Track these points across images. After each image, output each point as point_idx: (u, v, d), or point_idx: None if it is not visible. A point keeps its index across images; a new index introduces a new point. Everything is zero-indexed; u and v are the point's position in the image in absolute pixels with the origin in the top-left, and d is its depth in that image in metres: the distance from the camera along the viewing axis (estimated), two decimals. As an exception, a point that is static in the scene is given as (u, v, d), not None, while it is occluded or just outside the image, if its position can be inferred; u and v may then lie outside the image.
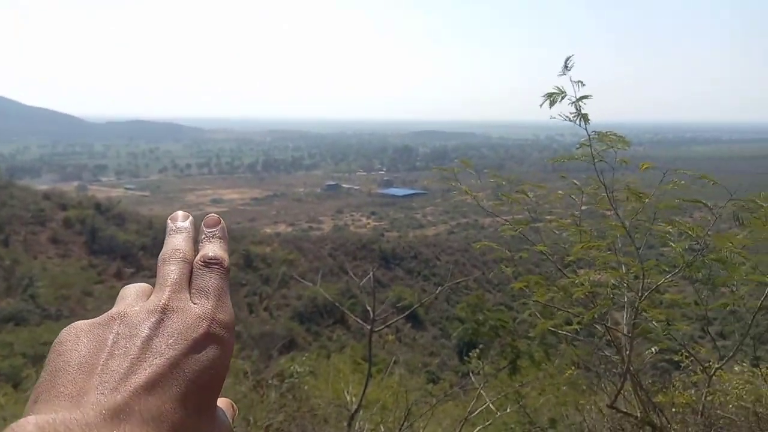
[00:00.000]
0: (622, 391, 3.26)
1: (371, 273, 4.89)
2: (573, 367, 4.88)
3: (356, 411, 4.66)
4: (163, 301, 0.47)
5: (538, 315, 3.85)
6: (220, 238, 0.53)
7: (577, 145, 3.36)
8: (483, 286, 33.53)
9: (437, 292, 8.08)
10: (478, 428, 4.87)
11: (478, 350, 5.76)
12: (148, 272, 38.26)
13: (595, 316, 3.19)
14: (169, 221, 0.55)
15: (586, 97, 2.87)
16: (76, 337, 0.44)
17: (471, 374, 5.63)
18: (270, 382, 6.04)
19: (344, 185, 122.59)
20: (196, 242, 0.53)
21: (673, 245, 2.87)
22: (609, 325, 3.61)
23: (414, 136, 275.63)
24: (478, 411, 4.85)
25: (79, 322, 0.47)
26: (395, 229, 71.82)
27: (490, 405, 4.82)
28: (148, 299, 0.48)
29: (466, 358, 6.35)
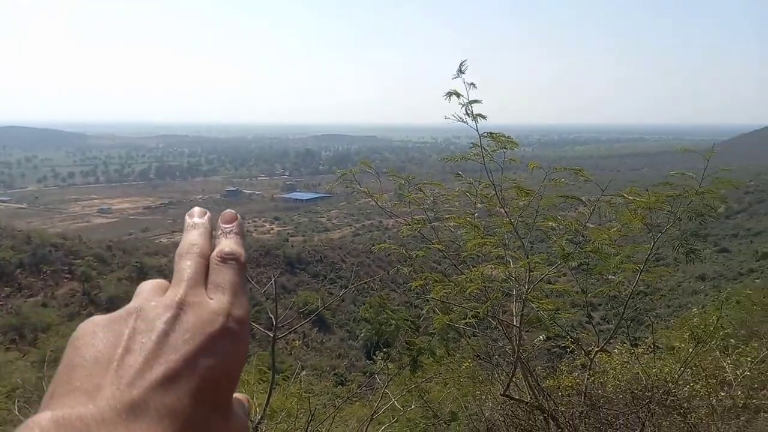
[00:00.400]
0: (514, 379, 3.44)
1: (273, 279, 4.80)
2: (471, 360, 5.08)
3: (260, 421, 4.54)
4: (179, 296, 0.47)
5: (437, 311, 3.98)
6: (236, 234, 0.54)
7: (471, 146, 3.52)
8: (388, 286, 34.05)
9: (341, 294, 8.10)
10: (384, 426, 4.93)
11: (383, 350, 5.83)
12: (27, 291, 35.01)
13: (488, 309, 3.35)
14: (186, 217, 0.55)
15: (476, 101, 3.01)
16: (93, 332, 0.44)
17: (376, 374, 5.70)
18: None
19: (245, 190, 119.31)
20: (213, 238, 0.53)
21: (555, 239, 3.09)
22: (503, 317, 3.81)
23: (316, 140, 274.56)
24: (383, 409, 4.91)
25: (96, 316, 0.47)
26: (300, 234, 71.08)
27: (395, 403, 4.90)
28: (164, 294, 0.48)
29: (372, 358, 6.40)
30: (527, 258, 3.28)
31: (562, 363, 4.63)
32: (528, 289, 3.22)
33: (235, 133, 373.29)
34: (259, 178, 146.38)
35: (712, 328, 4.00)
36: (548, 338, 4.52)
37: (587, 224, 3.33)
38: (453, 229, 4.10)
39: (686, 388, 3.88)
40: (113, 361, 0.41)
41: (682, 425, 3.47)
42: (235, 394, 0.48)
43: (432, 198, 3.91)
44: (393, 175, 4.28)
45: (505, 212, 3.35)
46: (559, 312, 3.60)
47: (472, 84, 2.90)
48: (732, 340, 4.78)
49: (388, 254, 4.05)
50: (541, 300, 3.40)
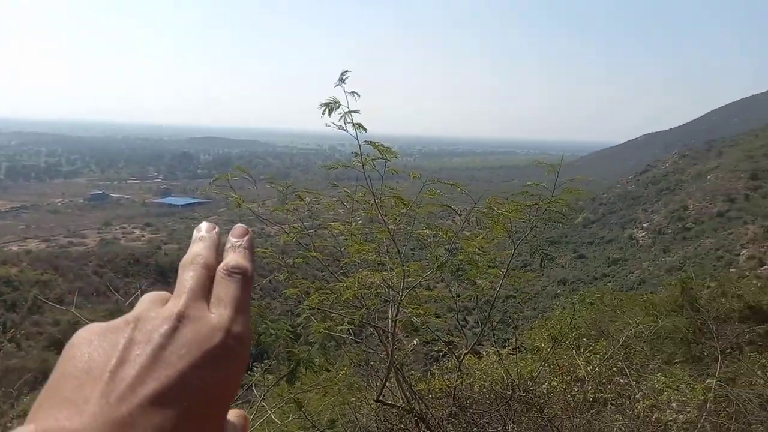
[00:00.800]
0: (389, 384, 3.50)
1: (140, 289, 4.49)
2: (349, 368, 5.10)
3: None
4: (179, 308, 0.45)
5: (314, 319, 3.94)
6: (245, 249, 0.52)
7: (352, 154, 3.53)
8: (270, 295, 33.30)
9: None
10: (259, 441, 4.78)
11: (263, 362, 5.66)
12: None
13: (363, 315, 3.38)
14: (194, 232, 0.54)
15: (355, 111, 3.03)
16: (89, 340, 0.43)
17: (253, 387, 5.51)
18: (10, 425, 5.11)
19: (113, 194, 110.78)
20: (221, 253, 0.52)
21: (430, 248, 3.21)
22: (383, 323, 3.87)
23: (194, 143, 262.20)
24: (258, 422, 4.76)
25: (94, 324, 0.45)
26: (175, 241, 67.17)
27: (272, 416, 4.77)
28: (164, 306, 0.46)
29: (250, 371, 6.19)
30: (403, 265, 3.36)
31: (434, 367, 4.80)
32: (402, 295, 3.29)
33: (102, 132, 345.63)
34: (129, 182, 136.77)
35: (566, 329, 4.36)
36: (426, 342, 4.67)
37: (462, 233, 3.50)
38: (333, 237, 4.10)
39: (544, 385, 4.20)
40: (105, 373, 0.40)
41: (540, 420, 3.73)
42: (230, 414, 0.48)
43: (311, 206, 3.88)
44: (271, 181, 4.20)
45: (384, 220, 3.41)
46: (430, 317, 3.73)
47: (353, 93, 2.91)
48: (585, 339, 5.26)
49: (269, 262, 3.95)
50: (414, 306, 3.50)
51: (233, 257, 0.51)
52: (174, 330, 0.43)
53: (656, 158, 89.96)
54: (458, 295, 3.70)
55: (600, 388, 4.63)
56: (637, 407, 4.14)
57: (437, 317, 4.04)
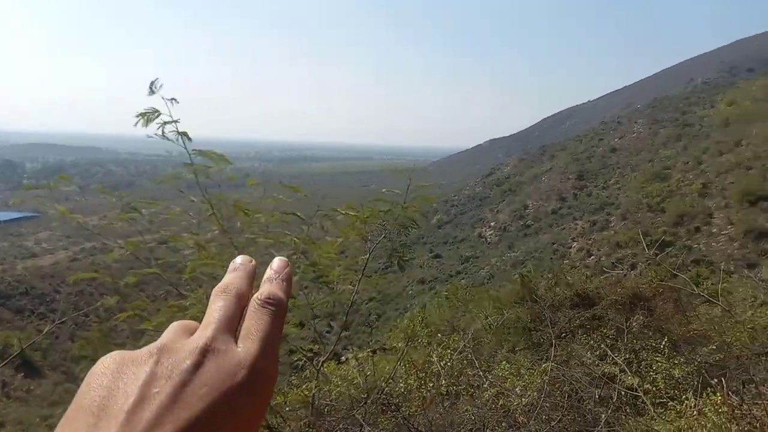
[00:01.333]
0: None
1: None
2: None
3: None
4: (204, 341, 0.44)
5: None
6: (283, 281, 0.51)
7: (185, 163, 3.31)
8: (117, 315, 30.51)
9: (48, 329, 6.92)
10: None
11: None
12: None
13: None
14: (230, 264, 0.53)
15: (175, 121, 2.81)
16: (110, 371, 0.42)
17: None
18: None
19: None
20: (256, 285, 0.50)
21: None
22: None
23: (20, 150, 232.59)
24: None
25: (117, 353, 0.44)
26: (-2, 262, 59.16)
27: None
28: (191, 336, 0.45)
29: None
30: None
31: (292, 377, 4.71)
32: (252, 307, 3.16)
33: None
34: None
35: (419, 328, 4.52)
36: (290, 352, 4.56)
37: (312, 239, 3.45)
38: (177, 250, 3.85)
39: (401, 384, 4.31)
40: (122, 413, 0.38)
41: (396, 419, 3.81)
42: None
43: (153, 217, 3.59)
44: (103, 191, 3.82)
45: (224, 230, 3.25)
46: (289, 326, 3.64)
47: (173, 100, 2.69)
48: (439, 335, 5.50)
49: (118, 280, 3.57)
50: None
51: (268, 288, 0.49)
52: (197, 365, 0.42)
53: (499, 162, 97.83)
54: (311, 303, 3.65)
55: (453, 381, 4.87)
56: (485, 396, 4.40)
57: (300, 326, 3.96)
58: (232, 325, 0.47)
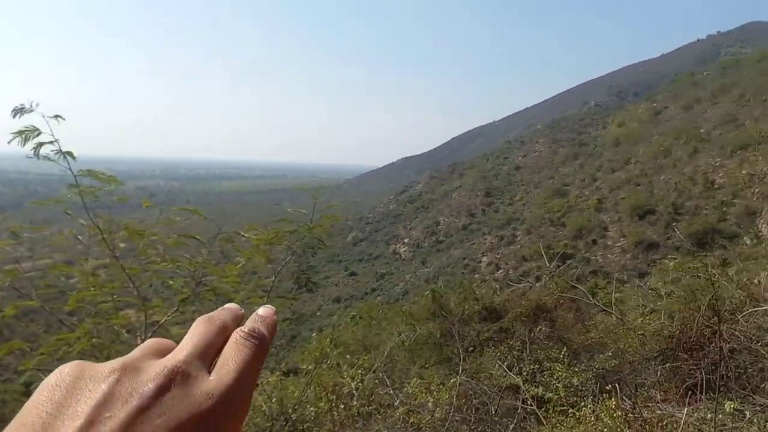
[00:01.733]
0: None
1: None
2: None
3: None
4: (174, 363, 0.40)
5: (42, 376, 3.33)
6: (268, 324, 0.48)
7: (71, 185, 3.07)
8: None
9: None
10: None
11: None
12: None
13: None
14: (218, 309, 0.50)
15: (53, 141, 2.60)
16: (64, 386, 0.38)
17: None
18: None
19: None
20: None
21: (171, 282, 2.94)
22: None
23: None
24: None
25: (77, 363, 0.40)
26: None
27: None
28: (162, 357, 0.41)
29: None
30: (143, 304, 3.04)
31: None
32: (145, 337, 2.97)
33: None
34: None
35: (328, 349, 4.46)
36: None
37: (212, 263, 3.30)
38: (65, 278, 3.54)
39: (311, 408, 4.20)
40: None
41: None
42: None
43: (28, 244, 3.29)
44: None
45: (115, 255, 3.04)
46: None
47: (57, 117, 2.49)
48: (349, 356, 5.45)
49: None
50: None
51: (253, 324, 0.47)
52: (161, 389, 0.38)
53: (411, 180, 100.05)
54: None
55: (364, 401, 4.83)
56: (396, 414, 4.40)
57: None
58: (209, 353, 0.43)
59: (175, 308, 3.02)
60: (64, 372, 0.40)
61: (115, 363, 0.40)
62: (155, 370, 0.40)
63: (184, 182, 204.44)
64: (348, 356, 5.34)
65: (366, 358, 5.45)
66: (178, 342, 0.45)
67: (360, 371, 4.94)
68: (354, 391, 4.88)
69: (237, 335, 0.45)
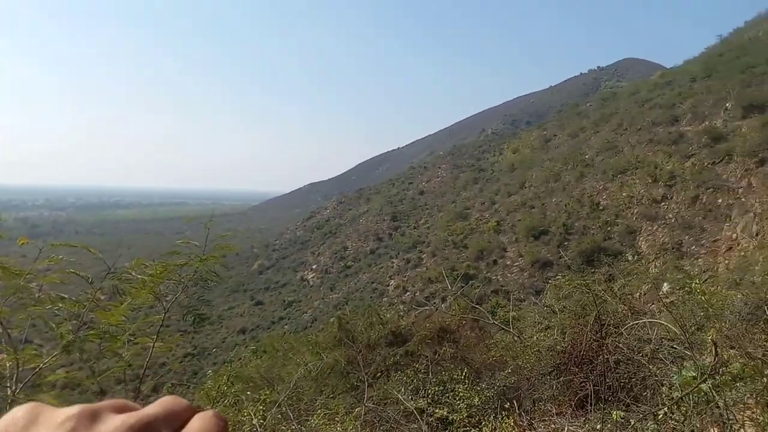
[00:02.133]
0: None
1: None
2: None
3: None
4: (135, 420, 0.39)
5: None
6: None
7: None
8: None
9: None
10: None
11: None
12: None
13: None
14: None
15: None
16: (16, 430, 0.36)
17: None
18: None
19: None
20: None
21: (54, 326, 2.70)
22: None
23: None
24: None
25: (35, 405, 0.39)
26: None
27: None
28: (110, 420, 0.39)
29: None
30: (16, 351, 2.75)
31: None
32: (16, 389, 2.67)
33: None
34: None
35: (224, 387, 4.26)
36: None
37: (98, 304, 3.06)
38: None
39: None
40: None
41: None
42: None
43: None
44: None
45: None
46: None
47: None
48: (249, 392, 5.24)
49: None
50: (37, 394, 2.89)
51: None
52: None
53: (319, 205, 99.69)
54: (94, 374, 3.22)
55: (265, 438, 4.65)
56: (300, 450, 4.27)
57: (102, 394, 3.46)
58: (172, 427, 0.42)
59: (56, 353, 2.76)
60: (17, 415, 0.38)
61: (73, 410, 0.39)
62: (114, 423, 0.39)
63: (72, 212, 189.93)
64: (249, 392, 5.13)
65: (269, 393, 5.26)
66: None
67: (262, 407, 4.75)
68: (257, 428, 4.68)
69: (197, 415, 0.46)
